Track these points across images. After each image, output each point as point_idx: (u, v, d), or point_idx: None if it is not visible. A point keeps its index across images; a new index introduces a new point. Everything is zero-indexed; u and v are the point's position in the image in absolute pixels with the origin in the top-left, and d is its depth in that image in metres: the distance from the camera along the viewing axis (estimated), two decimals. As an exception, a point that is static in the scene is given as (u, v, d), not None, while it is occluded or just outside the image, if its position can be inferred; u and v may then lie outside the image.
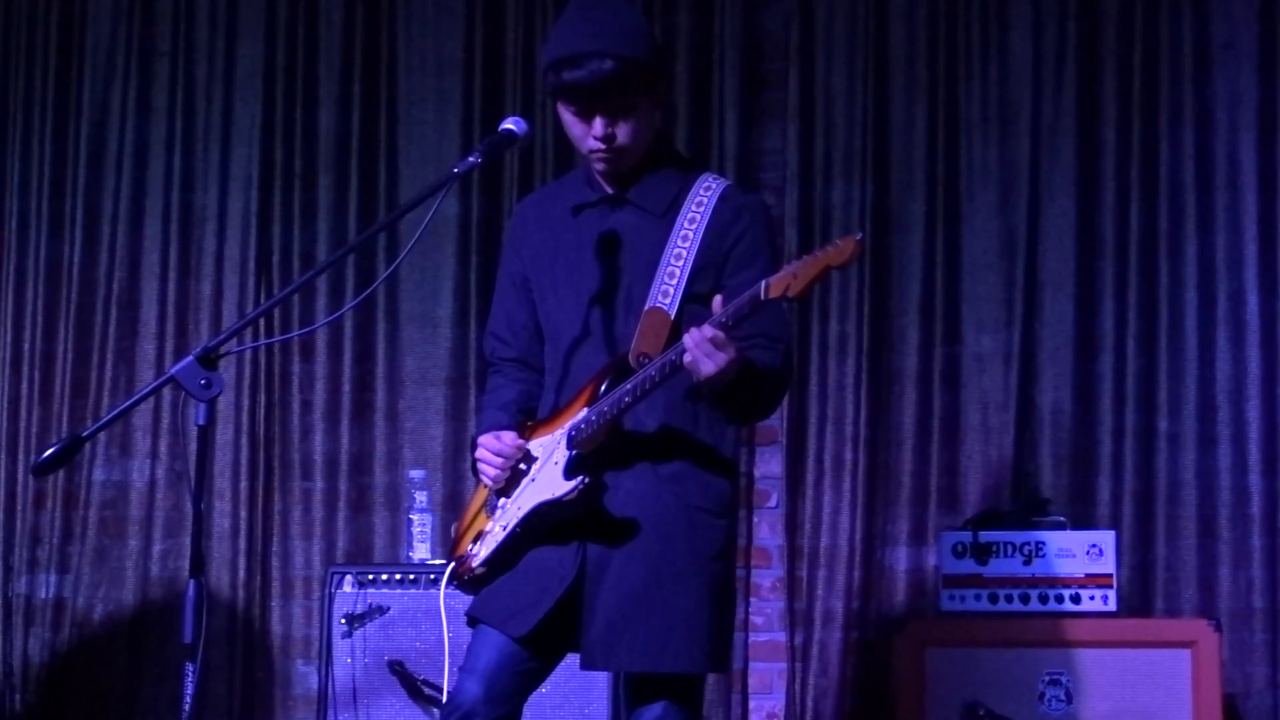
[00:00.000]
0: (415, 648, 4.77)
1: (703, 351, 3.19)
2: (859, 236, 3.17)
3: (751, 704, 5.31)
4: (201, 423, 3.23)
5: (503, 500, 3.49)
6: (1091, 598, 4.83)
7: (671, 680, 3.41)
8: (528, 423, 3.54)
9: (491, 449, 3.48)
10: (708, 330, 3.19)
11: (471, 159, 3.45)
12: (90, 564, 5.58)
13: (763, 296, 3.19)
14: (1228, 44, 5.33)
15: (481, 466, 3.51)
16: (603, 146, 3.45)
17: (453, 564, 3.57)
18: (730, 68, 5.53)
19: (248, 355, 5.50)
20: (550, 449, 3.43)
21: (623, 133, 3.44)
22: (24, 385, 5.67)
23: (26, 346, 5.67)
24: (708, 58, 5.55)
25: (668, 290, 3.43)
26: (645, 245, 3.49)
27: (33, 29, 5.78)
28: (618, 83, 3.39)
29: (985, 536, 4.91)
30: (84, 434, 3.33)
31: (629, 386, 3.33)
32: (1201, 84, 5.33)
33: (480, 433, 3.57)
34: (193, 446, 3.32)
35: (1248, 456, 5.18)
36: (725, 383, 3.25)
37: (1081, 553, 4.86)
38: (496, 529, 3.48)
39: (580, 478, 3.37)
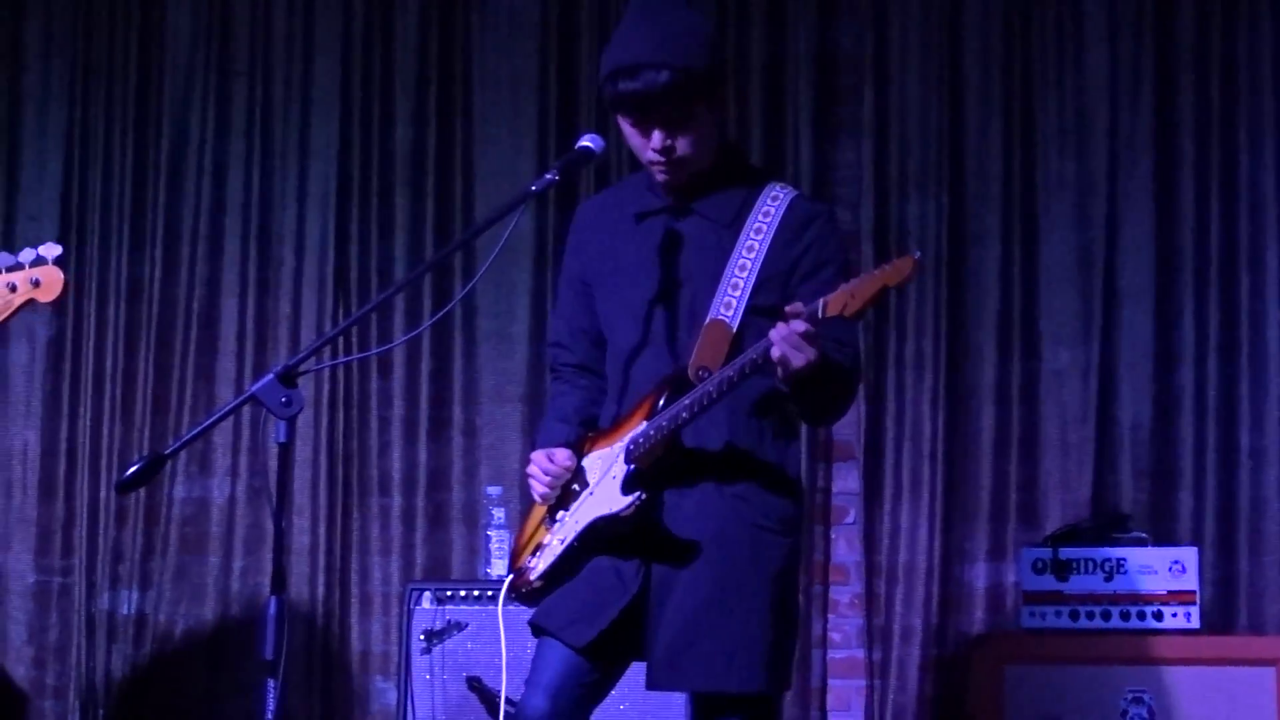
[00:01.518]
0: (493, 664, 4.75)
1: (791, 345, 3.15)
2: (917, 255, 3.13)
3: None
4: (282, 440, 3.24)
5: (561, 513, 3.49)
6: (1174, 615, 4.82)
7: (740, 701, 3.39)
8: (589, 434, 3.54)
9: (541, 467, 3.49)
10: (798, 325, 3.14)
11: (549, 176, 3.45)
12: (171, 580, 5.62)
13: (820, 315, 3.15)
14: None
15: (531, 483, 3.52)
16: (662, 159, 3.43)
17: (511, 577, 3.57)
18: (804, 82, 5.54)
19: (326, 373, 5.54)
20: (609, 463, 3.43)
21: (682, 144, 3.41)
22: (106, 403, 5.69)
23: (109, 364, 5.70)
24: (781, 72, 5.56)
25: (730, 302, 3.40)
26: (709, 254, 3.46)
27: (113, 51, 5.81)
28: (674, 94, 3.35)
29: (1065, 553, 4.90)
30: (166, 452, 3.34)
31: (686, 402, 3.30)
32: None
33: (538, 446, 3.58)
34: (273, 464, 3.37)
35: (1334, 471, 5.11)
36: (809, 376, 3.20)
37: (1164, 569, 4.85)
38: (554, 543, 3.47)
39: (637, 494, 3.36)
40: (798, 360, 3.15)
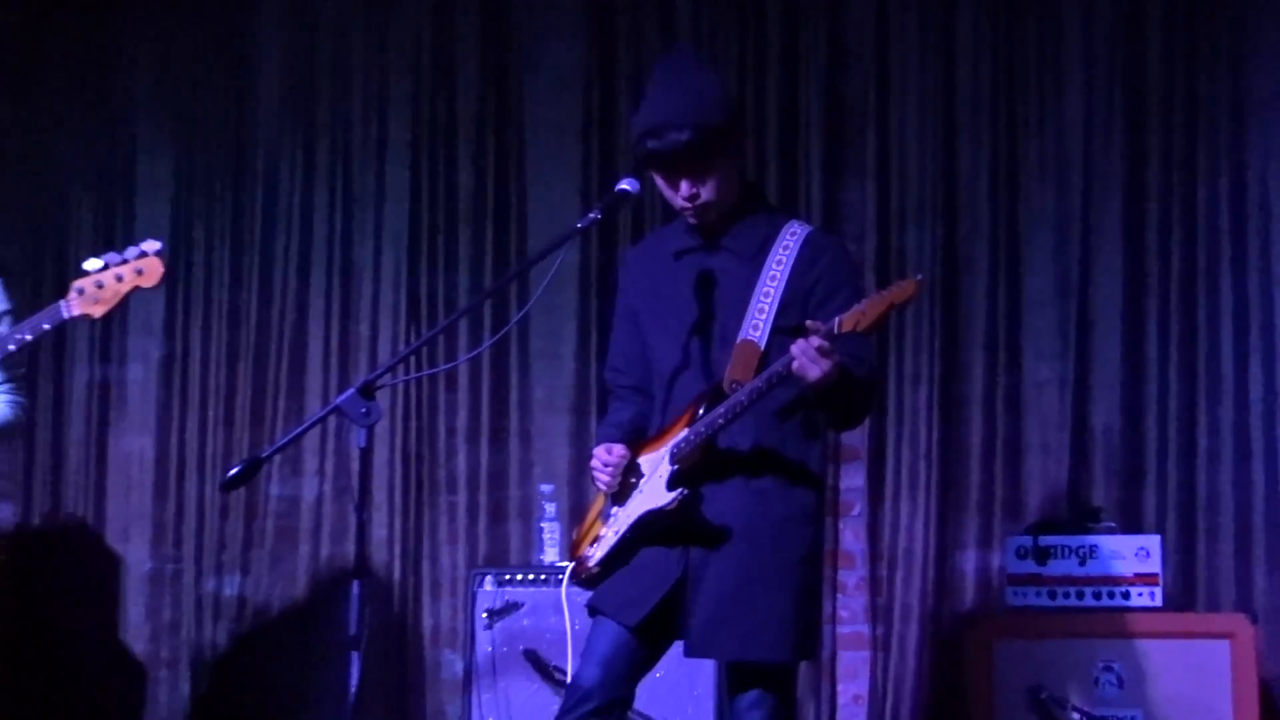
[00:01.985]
0: (546, 638, 4.81)
1: (808, 358, 3.21)
2: (919, 277, 3.20)
3: (839, 688, 5.30)
4: (362, 445, 3.29)
5: (615, 509, 3.55)
6: (1140, 594, 4.79)
7: (764, 670, 3.44)
8: (639, 441, 3.58)
9: (601, 459, 3.56)
10: (814, 340, 3.20)
11: (592, 215, 3.52)
12: (268, 567, 5.67)
13: (836, 331, 3.21)
14: (1261, 100, 5.21)
15: (595, 474, 3.58)
16: (690, 205, 3.49)
17: (572, 565, 3.63)
18: (815, 128, 5.52)
19: (400, 387, 5.55)
20: (656, 464, 3.49)
21: (706, 191, 3.47)
22: (210, 415, 5.76)
23: (212, 381, 5.78)
24: (794, 119, 5.53)
25: (757, 324, 3.46)
26: (737, 284, 3.51)
27: (212, 110, 5.87)
28: (694, 150, 3.41)
29: (1045, 541, 4.88)
30: (263, 456, 3.40)
31: (721, 409, 3.37)
32: (1236, 137, 5.22)
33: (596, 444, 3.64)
34: (355, 466, 3.39)
35: (1279, 470, 5.07)
36: (828, 386, 3.26)
37: (1130, 555, 4.82)
38: (609, 534, 3.54)
39: (680, 490, 3.43)
40: (814, 371, 3.22)
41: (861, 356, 3.42)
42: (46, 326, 3.83)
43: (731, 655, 3.48)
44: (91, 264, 3.80)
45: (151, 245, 3.82)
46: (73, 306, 3.80)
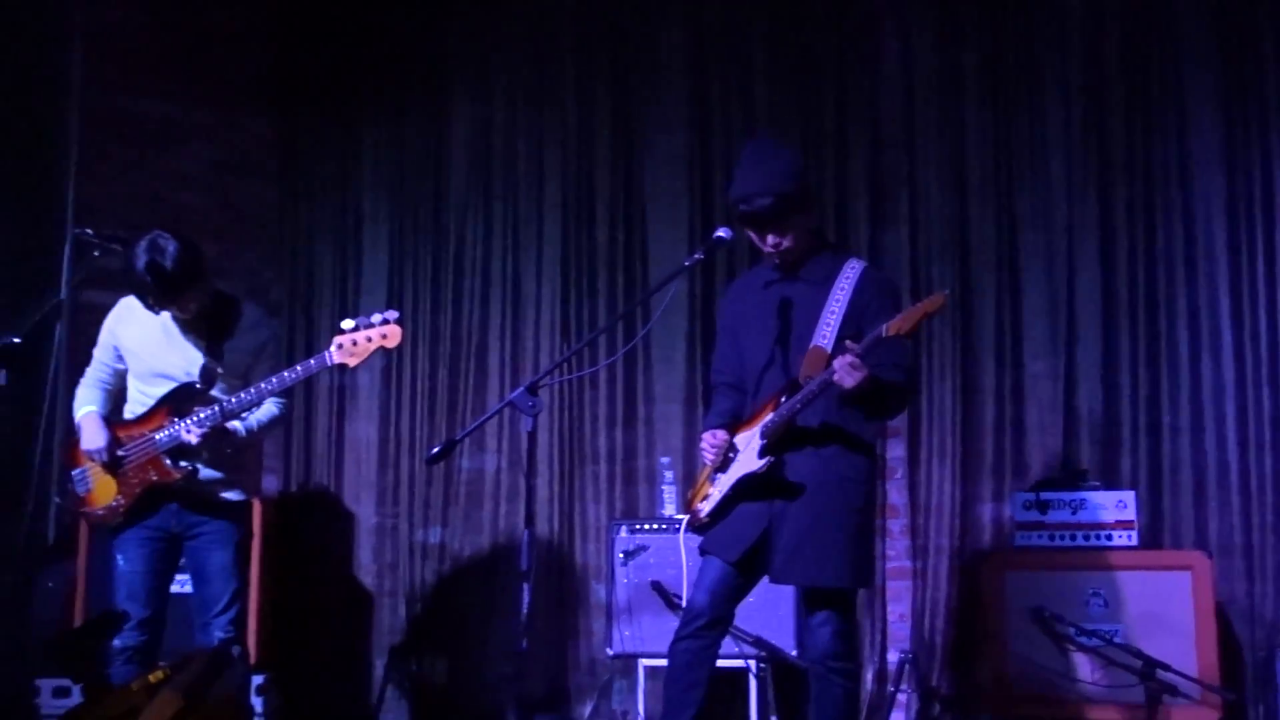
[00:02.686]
0: (667, 572, 4.79)
1: (844, 371, 3.20)
2: (946, 292, 3.20)
3: (889, 608, 5.23)
4: (530, 430, 3.33)
5: (719, 475, 3.53)
6: (1119, 536, 4.72)
7: (831, 593, 3.41)
8: (736, 423, 3.58)
9: (708, 442, 3.54)
10: (848, 357, 3.21)
11: (696, 256, 3.55)
12: (461, 521, 5.68)
13: (884, 334, 3.19)
14: (1202, 163, 5.07)
15: (703, 453, 3.59)
16: (774, 252, 3.48)
17: (688, 517, 3.63)
18: (861, 190, 5.45)
19: (557, 386, 5.55)
20: (749, 440, 3.50)
21: (786, 241, 3.47)
22: (418, 410, 5.78)
23: (419, 385, 5.80)
24: (845, 184, 5.48)
25: (825, 334, 3.45)
26: (810, 305, 3.51)
27: (414, 185, 5.90)
28: (774, 212, 3.41)
29: (1045, 495, 4.81)
30: (456, 438, 3.48)
31: (798, 397, 3.38)
32: (1183, 190, 5.10)
33: (704, 430, 3.64)
34: (524, 445, 3.38)
35: (1226, 440, 4.95)
36: (861, 392, 3.26)
37: (1112, 506, 4.74)
38: (715, 493, 3.55)
39: (768, 458, 3.42)
40: (849, 381, 3.23)
41: (898, 362, 3.39)
42: (314, 367, 3.79)
43: (806, 581, 3.47)
44: (346, 324, 3.74)
45: (392, 314, 3.74)
46: (334, 356, 3.75)
